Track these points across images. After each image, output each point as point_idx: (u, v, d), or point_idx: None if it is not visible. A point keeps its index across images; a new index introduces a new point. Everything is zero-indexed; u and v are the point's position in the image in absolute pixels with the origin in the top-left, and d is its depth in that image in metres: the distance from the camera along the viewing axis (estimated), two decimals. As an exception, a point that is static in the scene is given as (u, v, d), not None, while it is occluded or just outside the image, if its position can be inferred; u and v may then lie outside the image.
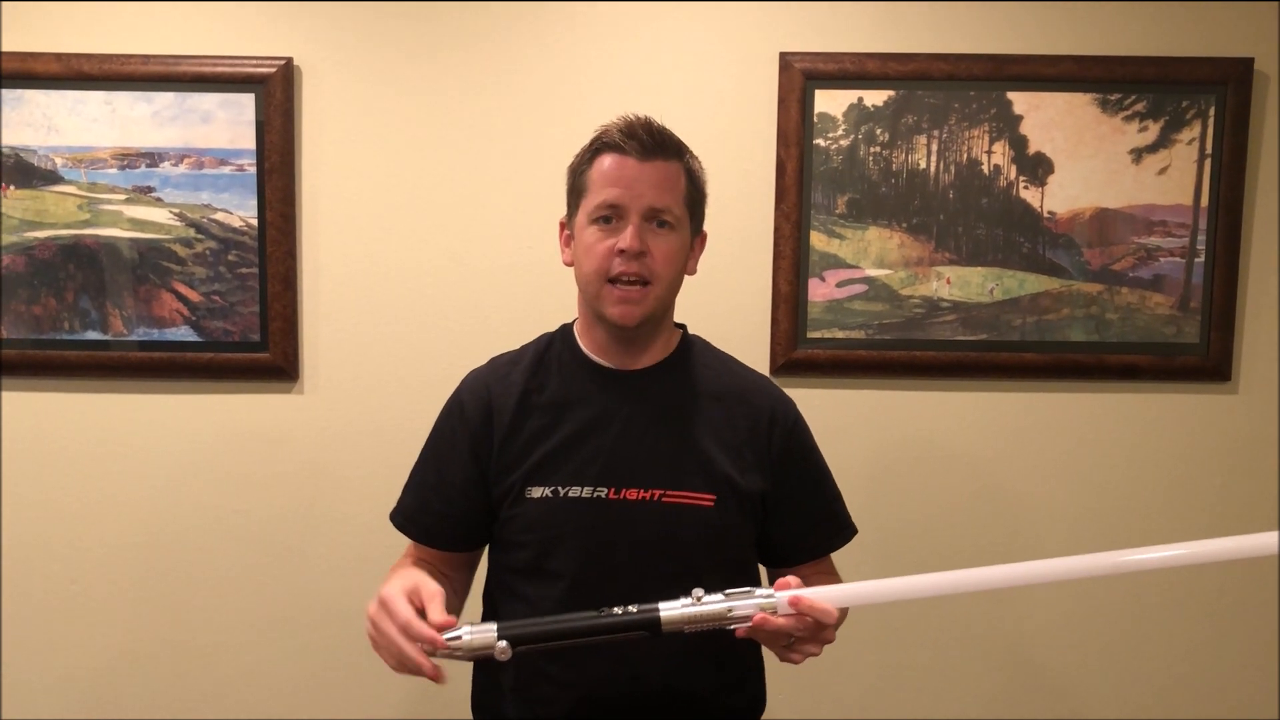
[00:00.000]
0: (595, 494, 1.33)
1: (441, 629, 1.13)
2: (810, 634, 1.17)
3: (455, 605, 1.40)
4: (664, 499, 1.34)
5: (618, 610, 1.14)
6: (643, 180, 1.31)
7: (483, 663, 1.47)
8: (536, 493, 1.35)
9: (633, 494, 1.34)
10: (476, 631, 1.13)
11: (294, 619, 2.20)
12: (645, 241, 1.31)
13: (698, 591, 1.15)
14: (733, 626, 1.15)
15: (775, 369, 2.12)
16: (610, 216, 1.32)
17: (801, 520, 1.44)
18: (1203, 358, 2.14)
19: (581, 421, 1.36)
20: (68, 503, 2.17)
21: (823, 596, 1.16)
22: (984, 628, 2.22)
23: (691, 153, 1.38)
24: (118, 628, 2.19)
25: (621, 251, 1.30)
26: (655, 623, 1.14)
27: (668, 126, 1.37)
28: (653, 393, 1.40)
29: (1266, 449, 2.18)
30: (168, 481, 2.16)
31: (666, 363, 1.42)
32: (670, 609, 1.14)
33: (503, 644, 1.12)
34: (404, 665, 1.15)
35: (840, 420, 2.15)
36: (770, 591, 1.16)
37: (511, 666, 1.37)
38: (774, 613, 1.14)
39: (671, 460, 1.36)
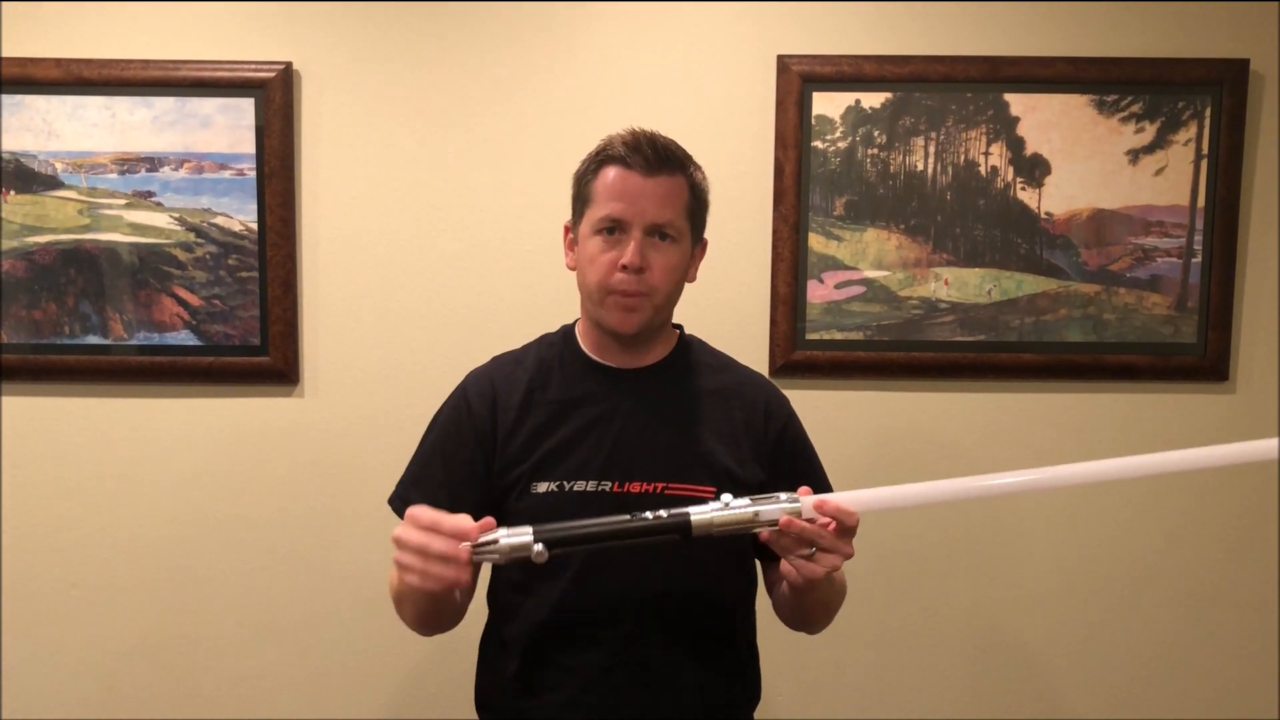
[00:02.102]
0: (600, 487, 1.37)
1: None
2: (831, 542, 1.19)
3: (462, 603, 1.41)
4: (666, 491, 1.37)
5: (649, 514, 1.17)
6: (646, 196, 1.34)
7: (486, 654, 1.49)
8: (542, 487, 1.38)
9: (636, 487, 1.37)
10: (512, 534, 1.14)
11: (295, 621, 2.20)
12: (646, 256, 1.35)
13: (725, 497, 1.19)
14: (758, 529, 1.18)
15: (774, 371, 2.13)
16: (613, 229, 1.35)
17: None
18: (1200, 357, 2.15)
19: (585, 418, 1.40)
20: (69, 507, 2.17)
21: (845, 500, 1.20)
22: (984, 628, 2.23)
23: (695, 164, 1.41)
24: (119, 632, 2.19)
25: (623, 266, 1.34)
26: (686, 525, 1.16)
27: (670, 135, 1.39)
28: (653, 390, 1.44)
29: (1264, 448, 2.18)
30: (168, 485, 2.17)
31: (665, 361, 1.47)
32: (700, 513, 1.17)
33: (539, 546, 1.13)
34: (438, 573, 1.13)
35: (839, 421, 2.16)
36: (795, 496, 1.19)
37: (515, 656, 1.40)
38: (798, 516, 1.18)
39: (673, 454, 1.40)
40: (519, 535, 1.14)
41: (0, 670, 2.19)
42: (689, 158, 1.40)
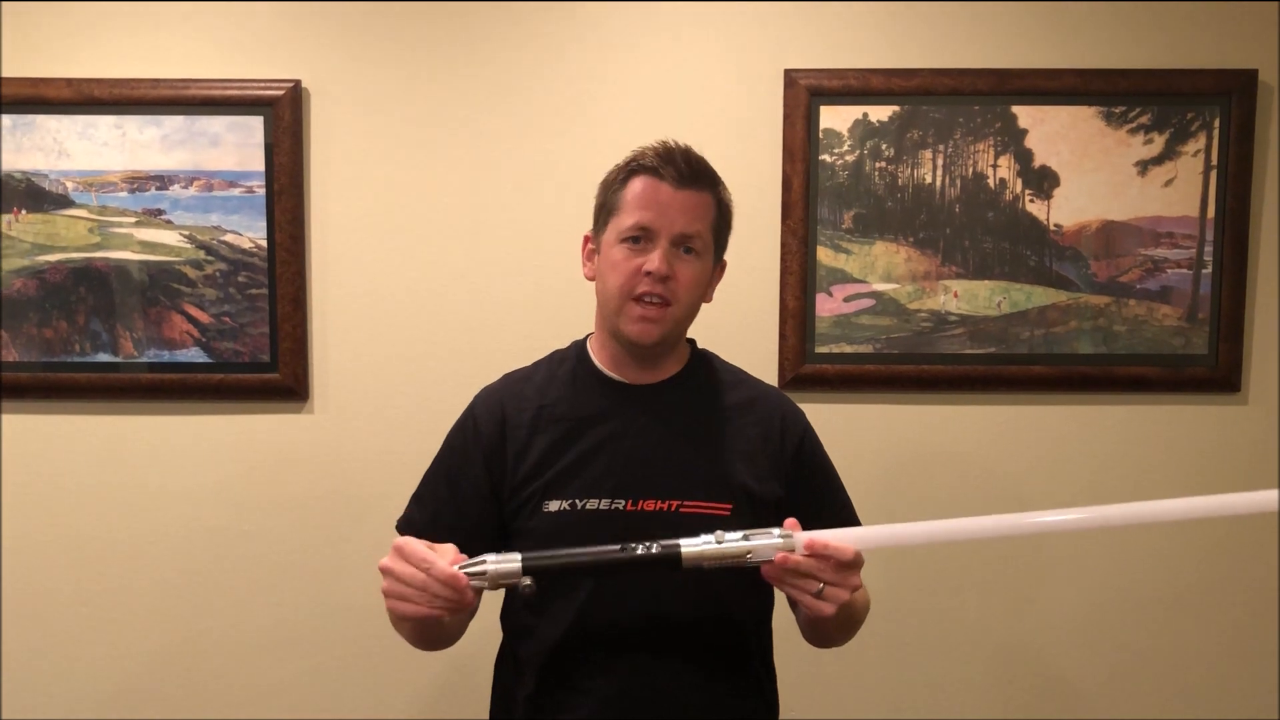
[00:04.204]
0: (613, 506, 1.35)
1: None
2: (834, 576, 1.18)
3: (462, 621, 1.40)
4: (681, 509, 1.36)
5: (639, 547, 1.16)
6: (675, 207, 1.34)
7: (501, 675, 1.48)
8: (554, 506, 1.36)
9: (650, 505, 1.35)
10: (501, 561, 1.14)
11: (305, 639, 2.19)
12: (671, 266, 1.34)
13: (719, 531, 1.17)
14: (753, 563, 1.17)
15: (784, 384, 2.12)
16: (640, 238, 1.35)
17: (815, 526, 1.43)
18: (1211, 369, 2.14)
19: (597, 435, 1.39)
20: (79, 525, 2.17)
21: (837, 537, 1.18)
22: (994, 639, 2.22)
23: (724, 184, 1.42)
24: (129, 649, 2.19)
25: (648, 273, 1.33)
26: (676, 558, 1.16)
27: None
28: (667, 406, 1.42)
29: (1276, 459, 2.17)
30: (178, 502, 2.17)
31: (679, 376, 1.45)
32: (691, 545, 1.16)
33: (528, 580, 1.14)
34: (431, 603, 1.14)
35: (849, 435, 2.15)
36: (789, 532, 1.18)
37: (530, 677, 1.38)
38: (792, 552, 1.17)
39: (687, 471, 1.38)
40: (506, 562, 1.14)
41: (5, 687, 2.19)
42: (718, 177, 1.41)
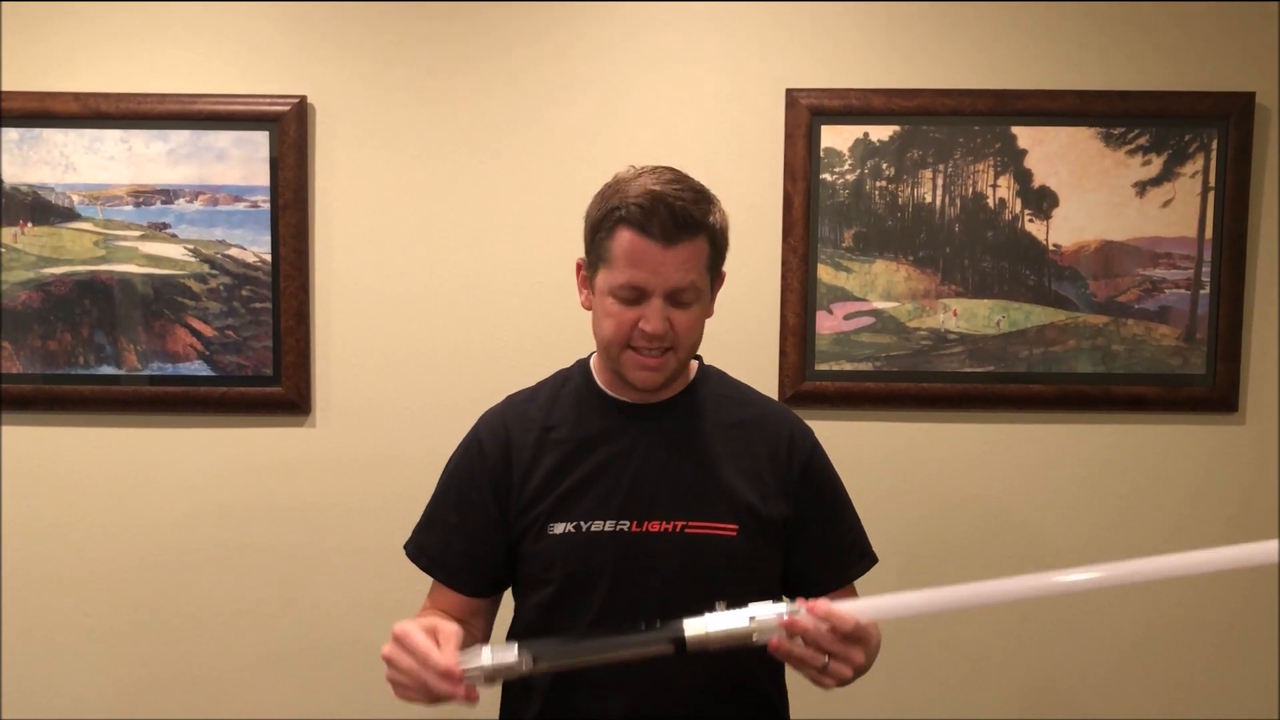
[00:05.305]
0: (619, 527, 1.34)
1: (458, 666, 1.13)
2: (831, 646, 1.16)
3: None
4: (687, 530, 1.34)
5: (641, 630, 1.15)
6: (666, 264, 1.28)
7: (507, 699, 1.46)
8: (559, 528, 1.35)
9: (655, 526, 1.34)
10: (497, 653, 1.13)
11: (306, 652, 2.20)
12: (668, 318, 1.30)
13: (720, 606, 1.15)
14: (759, 641, 1.15)
15: (784, 401, 2.13)
16: (632, 297, 1.30)
17: (823, 547, 1.43)
18: (1209, 388, 2.15)
19: (602, 456, 1.37)
20: (81, 536, 2.18)
21: (840, 607, 1.16)
22: (999, 656, 2.22)
23: (713, 208, 1.33)
24: (130, 660, 2.20)
25: (644, 331, 1.29)
26: (680, 641, 1.14)
27: (679, 168, 1.34)
28: (672, 424, 1.40)
29: (1274, 479, 2.18)
30: (181, 515, 2.18)
31: (684, 394, 1.43)
32: (694, 626, 1.14)
33: (525, 668, 1.12)
34: (431, 695, 1.14)
35: (848, 452, 2.11)
36: (795, 606, 1.16)
37: (536, 701, 1.37)
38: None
39: (693, 491, 1.36)
40: (504, 654, 1.13)
41: (5, 690, 2.19)
42: (707, 210, 1.31)
